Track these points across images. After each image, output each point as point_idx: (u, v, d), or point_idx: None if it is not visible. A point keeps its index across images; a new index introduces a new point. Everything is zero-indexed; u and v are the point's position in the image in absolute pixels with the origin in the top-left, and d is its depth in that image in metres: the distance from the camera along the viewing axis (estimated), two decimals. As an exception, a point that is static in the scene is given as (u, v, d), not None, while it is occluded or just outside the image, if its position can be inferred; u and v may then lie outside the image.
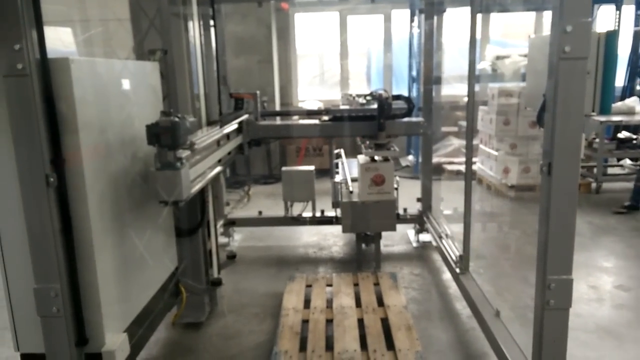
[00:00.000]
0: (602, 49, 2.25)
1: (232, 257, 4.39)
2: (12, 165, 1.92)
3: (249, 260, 4.43)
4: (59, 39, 2.58)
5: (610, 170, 6.78)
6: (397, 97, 4.08)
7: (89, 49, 3.07)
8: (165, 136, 2.17)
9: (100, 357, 2.13)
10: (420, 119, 4.36)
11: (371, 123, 3.93)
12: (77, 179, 2.01)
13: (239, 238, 4.98)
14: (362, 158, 4.02)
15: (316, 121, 4.23)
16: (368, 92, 4.64)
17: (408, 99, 4.14)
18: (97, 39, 3.12)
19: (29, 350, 2.19)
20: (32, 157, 1.89)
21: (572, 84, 1.72)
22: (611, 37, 2.25)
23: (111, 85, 2.28)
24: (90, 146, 2.07)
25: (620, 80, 7.44)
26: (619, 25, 7.15)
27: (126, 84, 2.38)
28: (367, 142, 3.97)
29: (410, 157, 7.94)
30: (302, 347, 2.86)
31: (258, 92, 4.22)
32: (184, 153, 2.30)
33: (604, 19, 7.35)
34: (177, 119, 2.19)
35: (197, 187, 2.53)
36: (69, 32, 2.75)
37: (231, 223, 4.80)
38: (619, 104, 6.43)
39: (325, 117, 4.22)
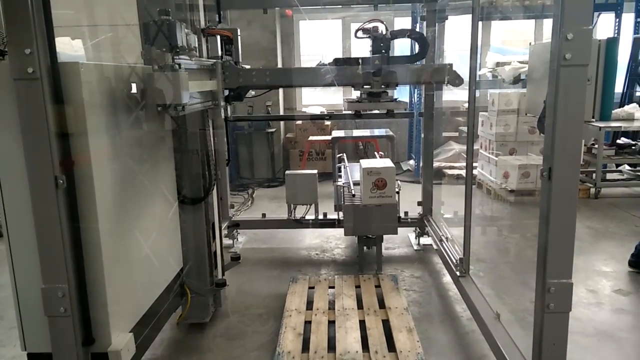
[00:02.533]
0: (602, 56, 2.29)
1: (236, 258, 4.41)
2: (22, 167, 1.95)
3: (253, 261, 4.46)
4: (69, 44, 2.62)
5: (609, 176, 6.83)
6: (402, 33, 3.09)
7: (97, 53, 3.10)
8: (162, 35, 2.13)
9: (106, 357, 2.15)
10: (446, 63, 3.10)
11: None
12: (85, 180, 2.04)
13: (242, 240, 5.02)
14: (364, 162, 4.06)
15: (309, 67, 3.35)
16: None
17: (419, 35, 3.16)
18: (106, 43, 3.15)
19: (36, 350, 2.21)
20: (41, 159, 1.92)
21: (572, 91, 1.75)
22: (611, 45, 2.29)
23: (119, 89, 2.32)
24: (99, 148, 2.10)
25: (619, 86, 7.49)
26: (618, 33, 7.21)
27: (134, 88, 2.42)
28: (360, 93, 3.13)
29: (412, 162, 7.98)
30: (305, 348, 2.89)
31: (238, 28, 3.47)
32: (183, 60, 2.27)
33: (604, 27, 7.40)
34: (174, 20, 2.16)
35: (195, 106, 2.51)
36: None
37: (235, 225, 4.82)
38: (618, 110, 6.49)
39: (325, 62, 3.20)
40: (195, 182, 3.03)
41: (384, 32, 2.94)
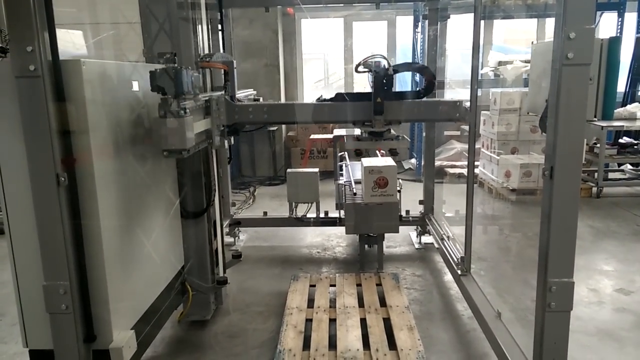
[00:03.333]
0: (605, 56, 2.28)
1: (237, 256, 4.41)
2: (24, 164, 1.95)
3: (254, 259, 4.47)
4: (71, 41, 2.62)
5: (611, 175, 6.82)
6: (407, 67, 3.02)
7: (99, 51, 3.10)
8: (168, 83, 2.16)
9: (107, 354, 2.16)
10: (459, 99, 3.02)
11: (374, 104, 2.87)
12: (87, 178, 2.05)
13: (244, 238, 5.02)
14: (365, 161, 4.06)
15: (310, 102, 3.27)
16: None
17: (424, 68, 3.07)
18: (108, 41, 3.15)
19: (38, 347, 2.22)
20: (43, 156, 1.93)
21: (574, 90, 1.75)
22: (613, 44, 2.28)
23: (121, 87, 2.32)
24: (100, 146, 2.10)
25: (621, 86, 7.48)
26: (621, 32, 7.19)
27: (136, 86, 2.42)
28: (361, 131, 3.01)
29: (413, 160, 7.97)
30: (306, 345, 2.89)
31: (234, 61, 3.28)
32: (188, 103, 2.29)
33: (606, 26, 7.39)
34: (180, 67, 2.20)
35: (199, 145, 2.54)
36: (80, 35, 2.79)
37: (237, 223, 4.84)
38: (620, 109, 6.48)
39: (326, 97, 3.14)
40: (197, 183, 3.03)
41: (386, 67, 2.82)
